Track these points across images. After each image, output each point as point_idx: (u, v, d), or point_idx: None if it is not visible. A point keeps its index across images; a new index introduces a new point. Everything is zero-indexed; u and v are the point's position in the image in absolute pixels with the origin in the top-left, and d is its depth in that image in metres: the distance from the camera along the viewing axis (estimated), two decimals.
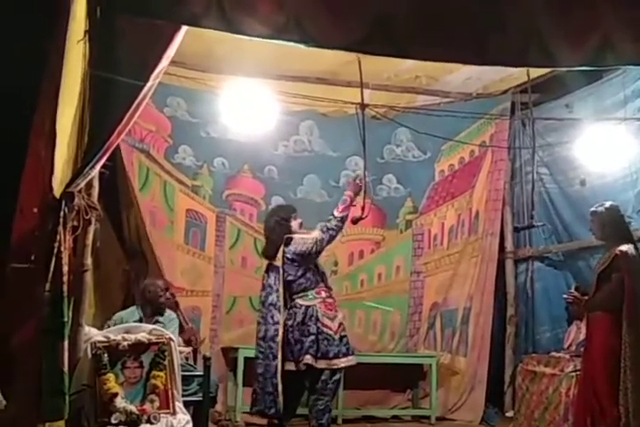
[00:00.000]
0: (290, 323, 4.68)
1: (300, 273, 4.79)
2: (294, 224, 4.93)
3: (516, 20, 4.07)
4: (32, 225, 3.57)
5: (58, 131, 3.56)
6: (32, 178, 3.59)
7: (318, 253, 4.83)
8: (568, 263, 6.88)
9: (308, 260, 4.79)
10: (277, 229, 4.91)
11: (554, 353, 5.69)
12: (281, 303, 4.72)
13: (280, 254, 4.83)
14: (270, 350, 4.68)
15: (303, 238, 4.78)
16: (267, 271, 4.95)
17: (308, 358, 4.60)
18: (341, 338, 4.70)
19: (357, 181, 5.05)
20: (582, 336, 5.55)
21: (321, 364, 4.61)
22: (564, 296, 5.05)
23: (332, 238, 4.90)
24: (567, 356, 5.41)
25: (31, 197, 3.59)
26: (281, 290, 4.75)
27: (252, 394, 4.85)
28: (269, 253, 4.93)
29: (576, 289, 5.16)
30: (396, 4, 3.97)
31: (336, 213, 4.89)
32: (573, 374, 5.09)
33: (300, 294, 4.75)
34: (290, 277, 4.78)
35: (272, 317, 4.74)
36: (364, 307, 7.39)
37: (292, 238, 4.82)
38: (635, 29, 4.13)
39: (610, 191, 6.19)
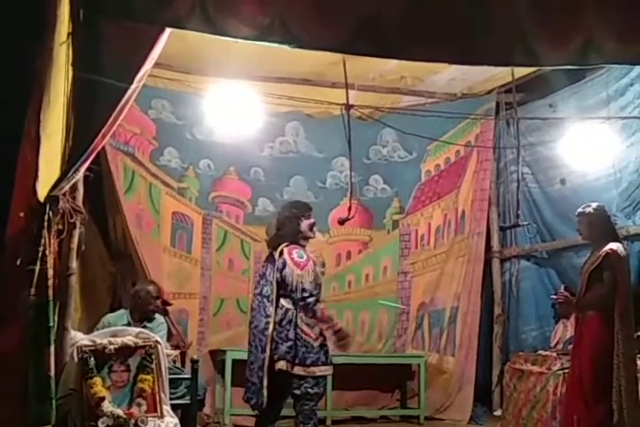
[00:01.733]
0: (275, 320, 4.59)
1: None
2: (304, 224, 4.77)
3: (502, 20, 4.08)
4: (19, 229, 3.55)
5: (50, 134, 3.55)
6: (20, 182, 3.57)
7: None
8: (553, 262, 6.92)
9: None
10: (287, 224, 4.76)
11: (541, 351, 5.70)
12: (274, 296, 4.63)
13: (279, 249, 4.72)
14: (260, 342, 4.60)
15: (298, 275, 4.60)
16: (265, 260, 4.83)
17: (282, 364, 4.50)
18: (321, 346, 4.59)
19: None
20: (569, 334, 5.59)
21: (297, 370, 4.52)
22: (554, 297, 5.07)
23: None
24: (554, 354, 5.42)
25: (19, 202, 3.57)
26: (275, 284, 4.65)
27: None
28: (271, 246, 4.82)
29: (565, 289, 5.17)
30: (382, 4, 3.98)
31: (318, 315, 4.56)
32: (560, 372, 5.11)
33: (284, 295, 4.65)
34: (278, 276, 4.66)
35: (264, 309, 4.62)
36: (355, 307, 7.41)
37: (285, 262, 4.65)
38: (617, 30, 4.16)
39: (593, 190, 6.24)
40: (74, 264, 3.88)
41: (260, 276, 4.78)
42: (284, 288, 4.57)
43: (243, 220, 7.18)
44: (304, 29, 3.86)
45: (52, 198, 3.59)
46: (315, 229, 4.86)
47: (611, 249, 4.53)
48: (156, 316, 5.24)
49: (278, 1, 3.86)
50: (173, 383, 4.43)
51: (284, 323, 4.54)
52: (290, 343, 4.50)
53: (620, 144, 6.00)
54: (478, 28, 4.06)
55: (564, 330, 5.81)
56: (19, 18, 3.74)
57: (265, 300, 4.64)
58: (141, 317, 5.13)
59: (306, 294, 4.51)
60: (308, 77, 6.83)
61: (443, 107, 7.09)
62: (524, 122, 6.74)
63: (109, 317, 5.16)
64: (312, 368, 4.51)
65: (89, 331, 4.60)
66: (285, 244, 4.65)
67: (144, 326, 4.94)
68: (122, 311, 5.25)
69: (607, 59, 4.28)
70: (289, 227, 4.72)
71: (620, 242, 4.72)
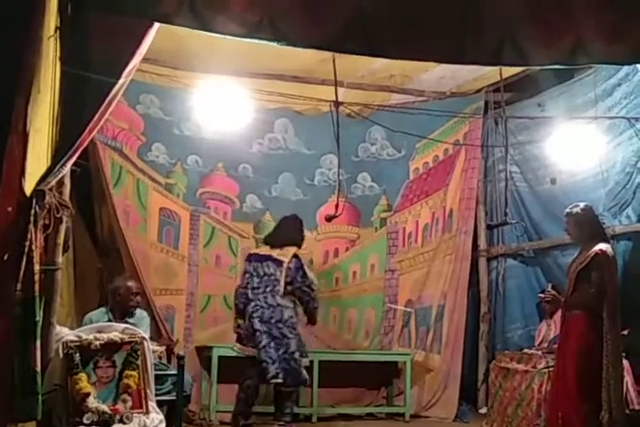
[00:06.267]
0: None
1: None
2: None
3: (492, 20, 4.10)
4: (6, 224, 3.53)
5: (38, 128, 3.54)
6: (8, 177, 3.56)
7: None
8: (539, 260, 6.94)
9: None
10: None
11: (526, 350, 5.74)
12: None
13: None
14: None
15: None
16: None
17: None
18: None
19: None
20: (553, 333, 5.62)
21: None
22: (542, 295, 5.09)
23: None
24: (539, 353, 5.46)
25: (6, 196, 3.55)
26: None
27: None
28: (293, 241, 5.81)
29: (552, 288, 5.20)
30: (372, 3, 3.98)
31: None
32: (545, 370, 5.14)
33: None
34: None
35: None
36: (343, 304, 7.44)
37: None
38: (606, 30, 4.19)
39: (580, 190, 6.27)
40: (60, 259, 3.87)
41: None
42: None
43: (230, 216, 7.17)
44: (293, 27, 3.86)
45: (39, 193, 3.58)
46: None
47: (600, 250, 4.55)
48: (138, 311, 5.21)
49: None
50: (159, 380, 4.42)
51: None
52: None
53: (607, 144, 6.03)
54: (468, 28, 4.07)
55: (549, 329, 5.84)
56: (6, 12, 3.72)
57: None
58: (122, 313, 5.09)
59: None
60: (298, 74, 6.81)
61: (432, 105, 7.09)
62: (513, 121, 6.76)
63: (91, 315, 5.10)
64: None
65: (77, 327, 4.57)
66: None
67: (126, 322, 4.91)
68: (102, 309, 5.19)
69: (596, 59, 4.32)
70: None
71: (609, 242, 4.75)
